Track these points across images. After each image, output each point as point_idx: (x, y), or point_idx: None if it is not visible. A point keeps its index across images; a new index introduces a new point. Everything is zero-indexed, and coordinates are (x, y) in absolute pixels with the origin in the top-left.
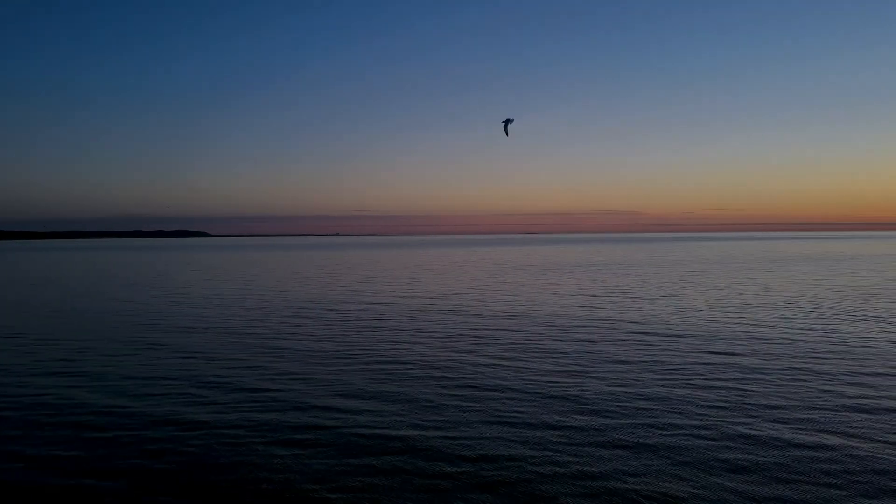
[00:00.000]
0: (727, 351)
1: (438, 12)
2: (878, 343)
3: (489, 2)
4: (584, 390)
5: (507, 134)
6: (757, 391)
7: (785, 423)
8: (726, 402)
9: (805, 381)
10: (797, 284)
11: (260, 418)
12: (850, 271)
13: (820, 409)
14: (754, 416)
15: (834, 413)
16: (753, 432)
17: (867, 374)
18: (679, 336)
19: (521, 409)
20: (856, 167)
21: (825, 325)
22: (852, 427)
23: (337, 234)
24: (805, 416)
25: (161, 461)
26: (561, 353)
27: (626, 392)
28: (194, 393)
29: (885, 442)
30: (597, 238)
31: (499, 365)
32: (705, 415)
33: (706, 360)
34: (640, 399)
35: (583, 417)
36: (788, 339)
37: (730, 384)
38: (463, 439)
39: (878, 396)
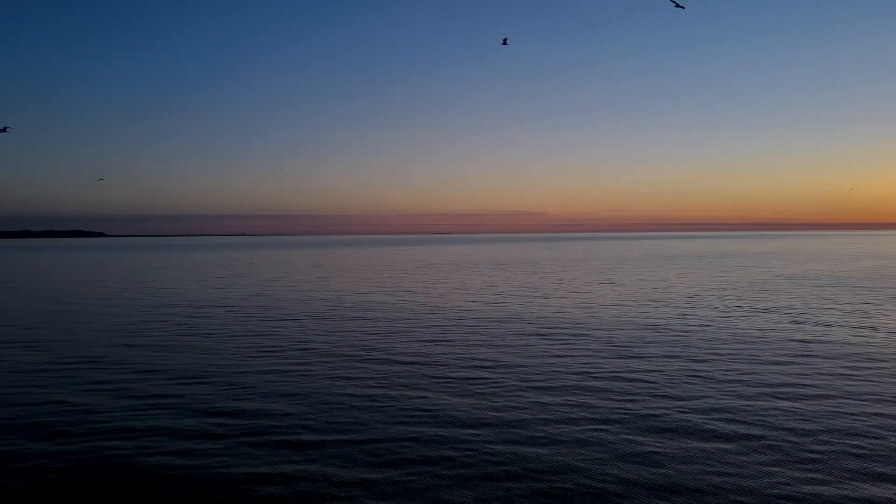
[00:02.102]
0: (629, 346)
1: (338, 20)
2: (770, 334)
3: (389, 6)
4: (484, 395)
5: None
6: (657, 387)
7: (681, 419)
8: (625, 403)
9: (703, 375)
10: (692, 280)
11: (123, 446)
12: (739, 267)
13: (716, 402)
14: (655, 414)
15: (730, 405)
16: (657, 432)
17: (759, 366)
18: (581, 333)
19: (413, 417)
20: (743, 170)
21: (720, 318)
22: (748, 418)
23: (243, 234)
24: (703, 409)
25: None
26: (465, 354)
27: (523, 394)
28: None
29: (779, 430)
30: (505, 238)
31: (394, 371)
32: (604, 418)
33: (608, 356)
34: (532, 405)
35: (476, 427)
36: (685, 332)
37: (630, 383)
38: (335, 458)
39: (775, 387)
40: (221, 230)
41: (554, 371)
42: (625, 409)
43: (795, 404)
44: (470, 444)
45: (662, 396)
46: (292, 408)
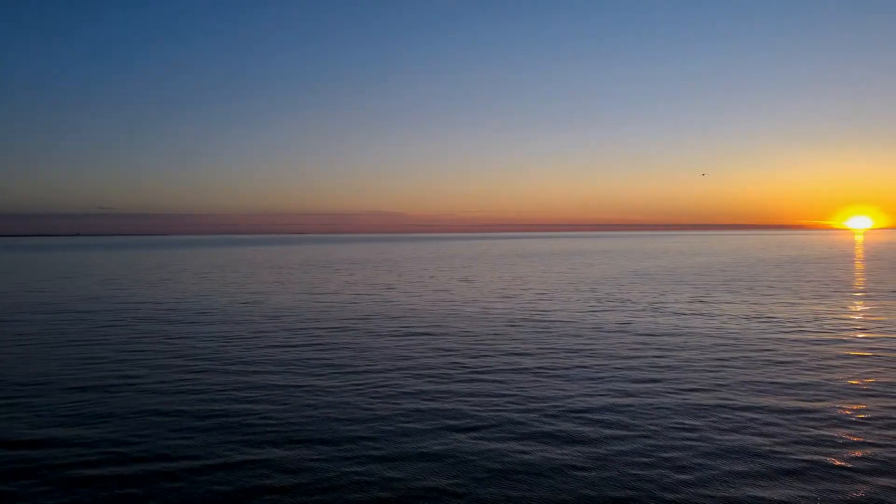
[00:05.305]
0: (483, 344)
1: (222, 19)
2: (619, 326)
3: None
4: (327, 405)
5: None
6: (517, 387)
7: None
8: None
9: (560, 372)
10: (545, 276)
11: None
12: (590, 263)
13: (579, 401)
14: (515, 419)
15: (591, 404)
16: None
17: (613, 360)
18: (437, 332)
19: (246, 435)
20: (589, 173)
21: (572, 312)
22: (609, 417)
23: (78, 234)
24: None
25: None
26: (310, 358)
27: (373, 402)
28: None
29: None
30: (363, 238)
31: (227, 381)
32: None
33: (465, 356)
34: (381, 414)
35: (312, 444)
36: (539, 329)
37: (487, 384)
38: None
39: (632, 382)
40: (53, 230)
41: (406, 375)
42: (481, 414)
43: (655, 398)
44: (307, 465)
45: (523, 397)
46: (99, 434)
